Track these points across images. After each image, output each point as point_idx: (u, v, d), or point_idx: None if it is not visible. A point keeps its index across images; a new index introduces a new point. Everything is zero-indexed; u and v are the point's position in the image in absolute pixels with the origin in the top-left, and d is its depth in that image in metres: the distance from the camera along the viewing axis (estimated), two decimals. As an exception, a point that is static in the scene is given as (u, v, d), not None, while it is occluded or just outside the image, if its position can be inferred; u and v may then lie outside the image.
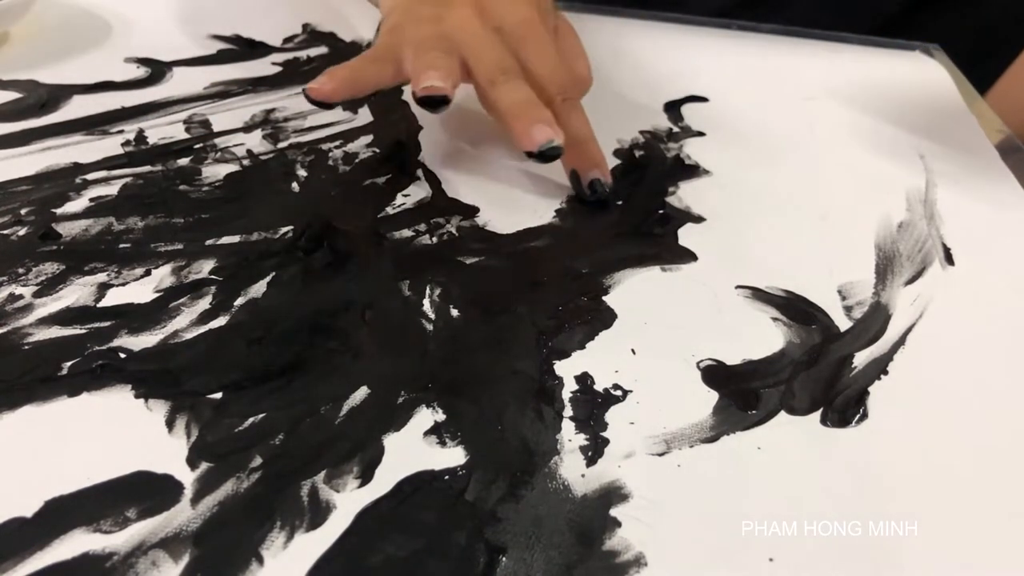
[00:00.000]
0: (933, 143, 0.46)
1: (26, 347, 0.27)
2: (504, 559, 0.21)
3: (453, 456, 0.24)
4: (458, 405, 0.26)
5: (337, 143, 0.41)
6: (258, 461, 0.23)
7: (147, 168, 0.38)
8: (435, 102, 0.34)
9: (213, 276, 0.31)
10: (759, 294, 0.32)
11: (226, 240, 0.33)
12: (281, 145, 0.41)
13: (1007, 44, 0.63)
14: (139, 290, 0.30)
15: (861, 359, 0.29)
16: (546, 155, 0.34)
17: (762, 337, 0.30)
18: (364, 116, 0.44)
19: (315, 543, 0.21)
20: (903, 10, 0.68)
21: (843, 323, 0.31)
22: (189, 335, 0.28)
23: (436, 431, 0.25)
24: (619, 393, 0.27)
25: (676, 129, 0.46)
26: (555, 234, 0.35)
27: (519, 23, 0.37)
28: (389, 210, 0.36)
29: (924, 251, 0.36)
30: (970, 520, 0.24)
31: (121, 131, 0.41)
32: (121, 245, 0.32)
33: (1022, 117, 0.54)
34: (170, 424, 0.24)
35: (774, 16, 0.65)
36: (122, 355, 0.27)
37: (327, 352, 0.28)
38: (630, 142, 0.44)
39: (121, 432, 0.24)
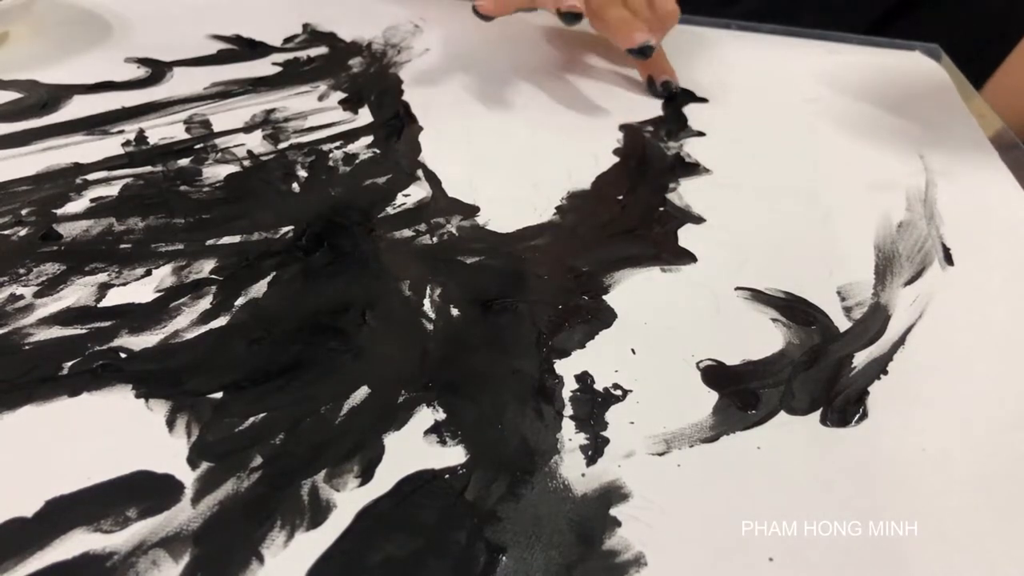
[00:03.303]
0: (933, 143, 0.46)
1: (27, 347, 0.27)
2: (504, 558, 0.21)
3: (453, 455, 0.24)
4: (458, 404, 0.26)
5: (337, 143, 0.41)
6: (258, 461, 0.23)
7: (148, 168, 0.38)
8: (574, 17, 0.45)
9: (213, 276, 0.31)
10: (759, 295, 0.32)
11: (226, 240, 0.33)
12: (281, 145, 0.41)
13: (1002, 41, 0.63)
14: (140, 290, 0.30)
15: (861, 359, 0.29)
16: (644, 52, 0.47)
17: (762, 338, 0.30)
18: (364, 116, 0.44)
19: (315, 542, 0.21)
20: (895, 8, 0.68)
21: (843, 324, 0.31)
22: (190, 335, 0.28)
23: (436, 430, 0.25)
24: (619, 393, 0.27)
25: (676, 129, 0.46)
26: (555, 233, 0.35)
27: None
28: (389, 210, 0.36)
29: (924, 251, 0.36)
30: (970, 520, 0.24)
31: (121, 131, 0.41)
32: (122, 245, 0.32)
33: (1016, 112, 0.54)
34: (170, 424, 0.24)
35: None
36: (123, 355, 0.27)
37: (327, 352, 0.28)
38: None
39: (121, 432, 0.24)
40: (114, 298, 0.29)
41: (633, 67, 0.53)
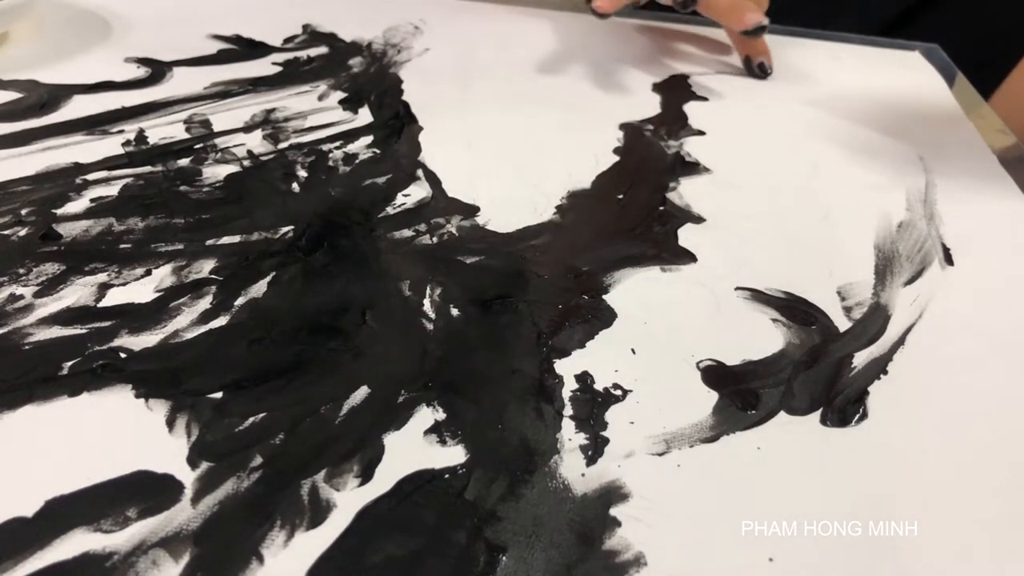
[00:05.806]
0: (932, 143, 0.46)
1: (26, 347, 0.27)
2: (504, 558, 0.21)
3: (453, 455, 0.24)
4: (458, 404, 0.26)
5: (337, 143, 0.41)
6: (258, 461, 0.23)
7: (147, 168, 0.38)
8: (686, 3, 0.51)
9: (213, 276, 0.31)
10: (759, 295, 0.32)
11: (226, 240, 0.33)
12: (281, 145, 0.41)
13: (1012, 46, 0.63)
14: (139, 290, 0.30)
15: (861, 359, 0.29)
16: (756, 32, 0.51)
17: (762, 338, 0.30)
18: (364, 116, 0.44)
19: (315, 542, 0.21)
20: (904, 11, 0.68)
21: (843, 324, 0.31)
22: (189, 335, 0.28)
23: (436, 430, 0.25)
24: (619, 393, 0.27)
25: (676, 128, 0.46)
26: (555, 232, 0.35)
27: None
28: (389, 210, 0.36)
29: (924, 251, 0.36)
30: (970, 520, 0.24)
31: (121, 131, 0.41)
32: (121, 245, 0.32)
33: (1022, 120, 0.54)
34: (170, 424, 0.24)
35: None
36: (122, 355, 0.27)
37: (327, 352, 0.28)
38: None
39: (121, 432, 0.24)
40: (114, 298, 0.29)
41: (634, 67, 0.53)
